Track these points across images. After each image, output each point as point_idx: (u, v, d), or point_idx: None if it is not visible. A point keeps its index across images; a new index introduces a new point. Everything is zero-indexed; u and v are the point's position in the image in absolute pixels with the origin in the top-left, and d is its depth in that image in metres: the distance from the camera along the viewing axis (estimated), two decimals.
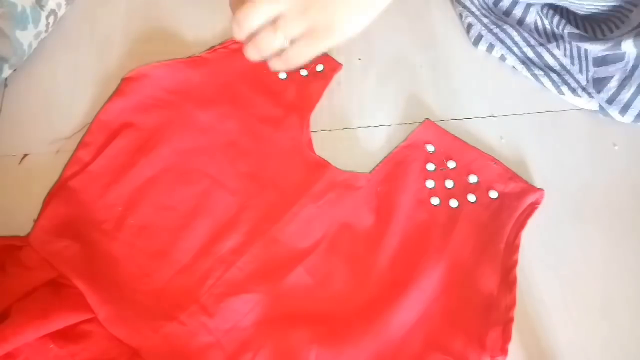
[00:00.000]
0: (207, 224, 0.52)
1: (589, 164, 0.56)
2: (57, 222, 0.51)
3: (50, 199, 0.52)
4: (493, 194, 0.53)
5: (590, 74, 0.52)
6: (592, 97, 0.55)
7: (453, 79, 0.59)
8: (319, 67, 0.59)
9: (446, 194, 0.53)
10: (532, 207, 0.52)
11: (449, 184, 0.53)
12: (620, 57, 0.51)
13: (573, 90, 0.54)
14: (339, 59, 0.60)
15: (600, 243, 0.52)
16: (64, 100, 0.58)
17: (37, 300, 0.47)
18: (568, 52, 0.52)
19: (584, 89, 0.54)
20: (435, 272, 0.50)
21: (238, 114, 0.56)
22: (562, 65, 0.53)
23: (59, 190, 0.52)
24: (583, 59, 0.52)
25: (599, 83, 0.53)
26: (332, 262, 0.51)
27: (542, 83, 0.56)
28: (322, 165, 0.54)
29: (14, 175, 0.55)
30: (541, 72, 0.54)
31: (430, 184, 0.53)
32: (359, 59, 0.61)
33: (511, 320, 0.47)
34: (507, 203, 0.52)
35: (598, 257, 0.52)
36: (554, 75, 0.54)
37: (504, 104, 0.58)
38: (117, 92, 0.57)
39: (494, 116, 0.58)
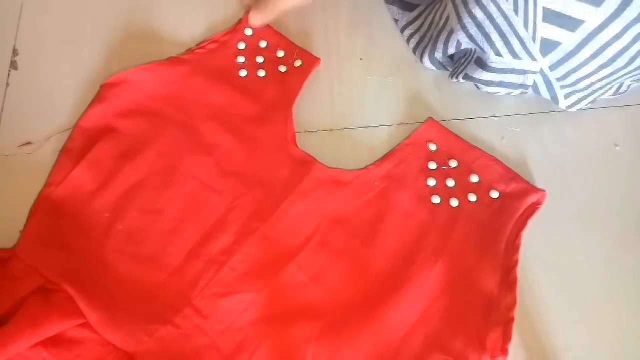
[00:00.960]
0: (195, 226, 0.51)
1: (590, 165, 0.55)
2: (44, 232, 0.50)
3: (36, 209, 0.52)
4: (494, 194, 0.53)
5: (537, 30, 0.46)
6: (535, 59, 0.50)
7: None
8: (298, 63, 0.59)
9: (447, 193, 0.53)
10: (534, 207, 0.52)
11: (450, 182, 0.53)
12: (575, 23, 0.45)
13: (513, 52, 0.49)
14: (340, 58, 0.60)
15: (601, 243, 0.52)
16: (66, 100, 0.58)
17: (28, 308, 0.46)
18: None
19: (526, 48, 0.48)
20: (435, 271, 0.49)
21: (220, 113, 0.56)
22: (504, 15, 0.46)
23: (44, 199, 0.52)
24: (531, 6, 0.45)
25: (547, 45, 0.48)
26: (324, 257, 0.50)
27: (478, 44, 0.51)
28: (308, 160, 0.54)
29: (17, 174, 0.55)
30: (477, 32, 0.49)
31: (431, 182, 0.53)
32: (360, 58, 0.60)
33: (512, 320, 0.47)
34: (508, 203, 0.52)
35: (599, 257, 0.51)
36: (493, 34, 0.48)
37: (506, 104, 0.58)
38: (97, 98, 0.56)
39: (495, 116, 0.58)
